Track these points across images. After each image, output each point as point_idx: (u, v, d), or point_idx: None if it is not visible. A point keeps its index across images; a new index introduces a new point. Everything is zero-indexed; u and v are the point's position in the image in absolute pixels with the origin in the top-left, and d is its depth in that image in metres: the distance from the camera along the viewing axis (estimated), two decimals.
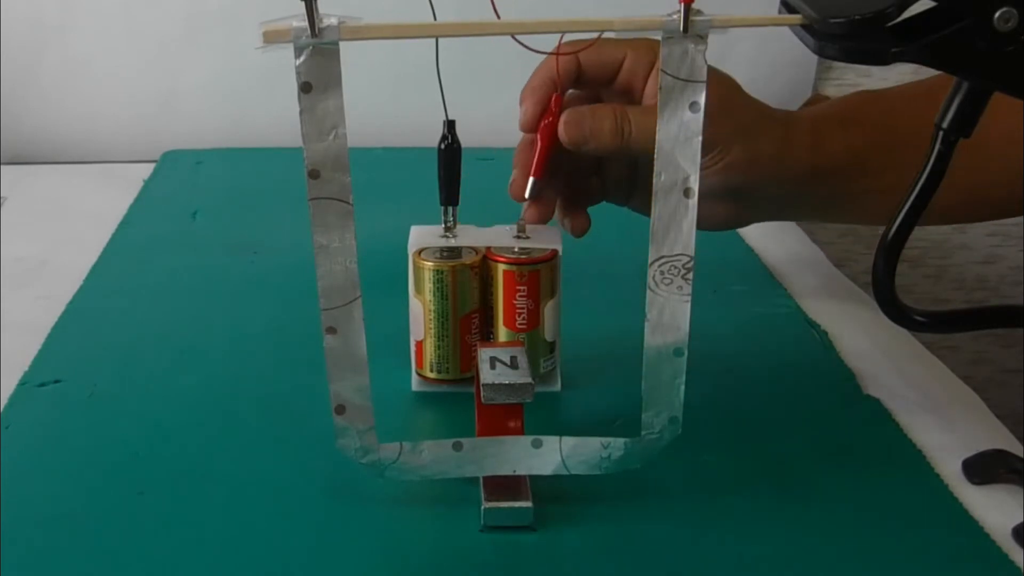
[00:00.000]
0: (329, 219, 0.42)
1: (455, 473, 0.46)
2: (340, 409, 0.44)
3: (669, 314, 0.44)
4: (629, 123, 0.54)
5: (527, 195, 0.54)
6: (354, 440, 0.45)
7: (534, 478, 0.46)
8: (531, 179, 0.54)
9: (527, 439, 0.46)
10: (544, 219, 0.55)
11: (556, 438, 0.46)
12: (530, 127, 0.55)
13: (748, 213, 0.62)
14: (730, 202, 0.59)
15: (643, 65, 0.55)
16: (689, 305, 0.44)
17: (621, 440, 0.46)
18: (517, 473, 0.46)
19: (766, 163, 0.57)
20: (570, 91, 0.57)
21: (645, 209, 0.59)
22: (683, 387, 0.45)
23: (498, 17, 0.42)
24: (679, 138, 0.42)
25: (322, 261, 0.42)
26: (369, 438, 0.45)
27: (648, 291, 0.44)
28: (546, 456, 0.46)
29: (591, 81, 0.56)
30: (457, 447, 0.46)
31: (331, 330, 0.43)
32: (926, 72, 0.43)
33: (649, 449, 0.46)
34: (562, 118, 0.54)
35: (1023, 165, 0.59)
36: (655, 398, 0.45)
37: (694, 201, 0.42)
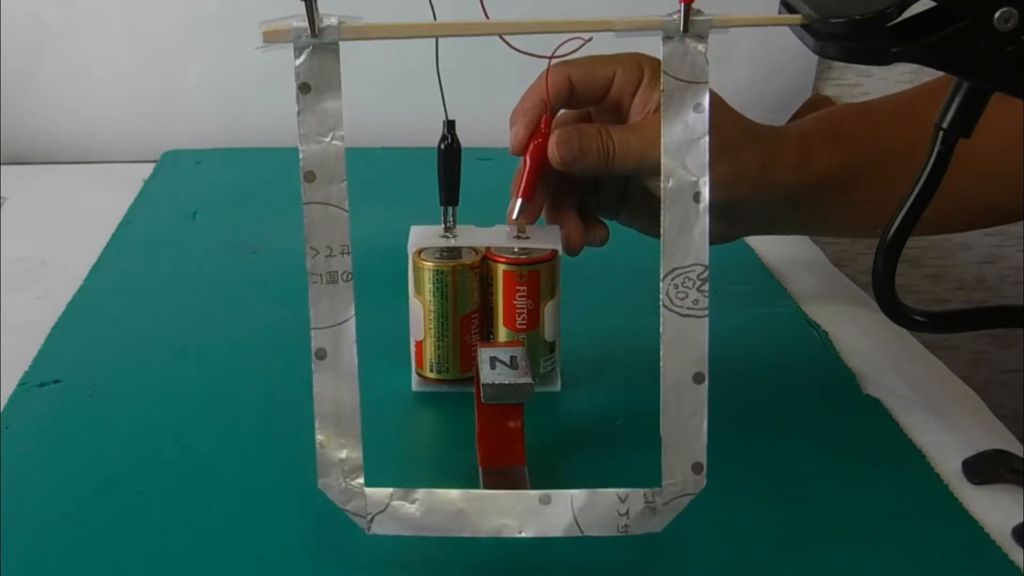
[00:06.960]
0: (323, 226, 0.40)
1: (453, 531, 0.42)
2: (325, 443, 0.41)
3: (686, 334, 0.40)
4: (613, 142, 0.53)
5: (514, 216, 0.54)
6: (339, 480, 0.41)
7: (531, 473, 0.46)
8: (519, 200, 0.53)
9: (534, 495, 0.41)
10: (531, 219, 0.55)
11: (567, 494, 0.41)
12: (522, 150, 0.54)
13: (733, 229, 0.62)
14: (714, 219, 0.59)
15: (631, 82, 0.55)
16: (707, 322, 0.40)
17: (640, 492, 0.41)
18: (523, 536, 0.41)
19: (750, 180, 0.57)
20: (561, 111, 0.56)
21: (633, 223, 0.59)
22: (705, 422, 0.41)
23: (487, 17, 0.42)
24: (685, 141, 0.40)
25: (314, 272, 0.40)
26: (356, 478, 0.41)
27: (662, 308, 0.40)
28: (556, 516, 0.41)
29: (582, 100, 0.56)
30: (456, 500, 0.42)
31: (321, 352, 0.40)
32: (926, 72, 0.43)
33: (672, 506, 0.41)
34: (553, 137, 0.53)
35: (1017, 172, 0.59)
36: (675, 437, 0.41)
37: (704, 206, 0.40)
